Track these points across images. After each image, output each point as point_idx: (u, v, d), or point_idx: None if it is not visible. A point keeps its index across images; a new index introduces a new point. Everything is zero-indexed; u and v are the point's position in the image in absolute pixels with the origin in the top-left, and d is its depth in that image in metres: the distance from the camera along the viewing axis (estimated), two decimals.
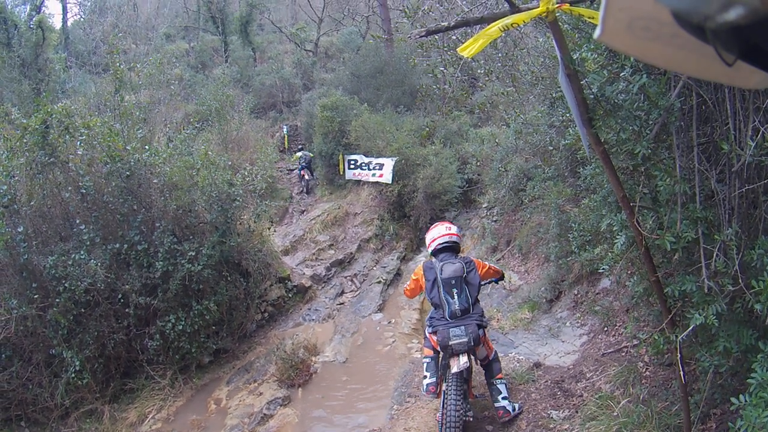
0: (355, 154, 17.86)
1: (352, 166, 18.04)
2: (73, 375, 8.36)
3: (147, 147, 9.72)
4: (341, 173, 18.45)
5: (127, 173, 9.20)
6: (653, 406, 5.13)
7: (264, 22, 35.72)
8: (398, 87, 21.25)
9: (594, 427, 5.54)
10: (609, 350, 7.29)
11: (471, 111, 20.53)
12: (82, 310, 8.63)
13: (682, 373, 3.55)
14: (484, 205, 16.04)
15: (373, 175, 17.23)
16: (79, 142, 9.21)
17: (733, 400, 3.18)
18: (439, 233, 6.13)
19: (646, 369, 6.24)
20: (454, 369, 5.58)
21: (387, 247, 16.01)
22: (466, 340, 5.52)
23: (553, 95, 8.62)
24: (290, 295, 12.52)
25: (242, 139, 18.50)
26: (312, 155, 20.23)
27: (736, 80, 0.96)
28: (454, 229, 6.25)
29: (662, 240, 3.36)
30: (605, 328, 8.05)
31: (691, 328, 3.36)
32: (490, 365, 6.07)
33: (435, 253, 6.08)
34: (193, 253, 9.31)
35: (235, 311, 10.53)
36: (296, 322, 11.85)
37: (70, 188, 9.20)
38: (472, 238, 15.64)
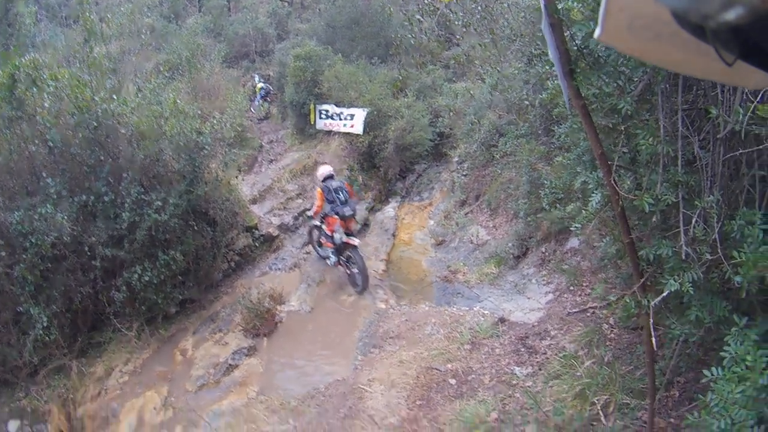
0: (326, 104, 17.49)
1: (323, 116, 17.65)
2: (40, 331, 8.34)
3: (115, 97, 9.39)
4: (312, 123, 18.05)
5: (94, 124, 8.94)
6: (617, 369, 5.17)
7: None
8: (373, 39, 21.04)
9: (557, 385, 5.60)
10: (574, 310, 7.35)
11: (446, 66, 20.65)
12: (49, 265, 8.52)
13: (653, 339, 3.51)
14: (455, 159, 16.05)
15: (345, 125, 16.95)
16: (46, 95, 8.91)
17: (705, 372, 3.14)
18: (326, 170, 10.46)
19: (611, 331, 6.30)
20: (354, 243, 9.74)
21: (356, 197, 15.78)
22: (351, 212, 9.84)
23: (532, 51, 8.50)
24: (257, 245, 12.37)
25: (213, 88, 17.89)
26: (272, 89, 21.32)
27: (736, 80, 1.03)
28: (331, 168, 10.56)
29: (640, 201, 3.29)
30: (571, 288, 8.10)
31: (665, 293, 3.33)
32: (352, 235, 10.01)
33: (325, 179, 10.11)
34: (160, 203, 9.12)
35: (201, 261, 10.38)
36: (263, 272, 11.75)
37: (37, 142, 8.92)
38: (441, 192, 15.67)
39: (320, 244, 10.98)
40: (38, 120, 8.90)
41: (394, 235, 13.64)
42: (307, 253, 12.38)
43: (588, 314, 7.09)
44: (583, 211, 4.56)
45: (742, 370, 2.97)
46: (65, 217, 8.35)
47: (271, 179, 15.89)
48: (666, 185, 3.33)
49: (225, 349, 8.81)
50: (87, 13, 10.32)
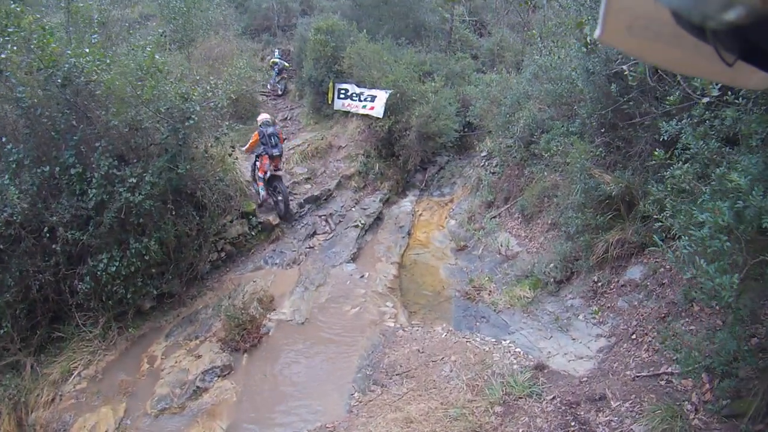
0: (346, 83, 16.21)
1: (342, 96, 16.35)
2: None
3: (88, 50, 8.17)
4: (329, 102, 16.78)
5: (59, 80, 7.80)
6: None
7: None
8: (402, 19, 19.57)
9: None
10: (642, 373, 5.58)
11: (474, 56, 19.56)
12: (2, 247, 7.71)
13: None
14: (482, 154, 14.40)
15: (364, 106, 15.57)
16: (11, 46, 7.75)
17: None
18: (265, 117, 11.89)
19: (696, 415, 4.61)
20: (279, 173, 11.68)
21: (370, 186, 14.48)
22: (278, 153, 11.38)
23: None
24: (254, 233, 11.17)
25: (223, 57, 16.65)
26: (287, 65, 20.54)
27: (736, 80, 0.95)
28: (269, 116, 12.09)
29: None
30: (633, 336, 6.36)
31: None
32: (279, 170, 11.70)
33: (262, 125, 11.46)
34: (135, 180, 7.97)
35: (184, 250, 9.28)
36: (257, 265, 10.54)
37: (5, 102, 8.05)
38: (464, 188, 14.20)
39: (254, 179, 12.22)
40: (7, 76, 7.85)
41: (409, 234, 12.31)
42: (310, 247, 11.18)
43: (661, 382, 5.34)
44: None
45: None
46: (20, 191, 7.49)
47: None
48: None
49: (196, 364, 7.63)
50: None
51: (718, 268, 3.83)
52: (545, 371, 6.05)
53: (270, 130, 11.34)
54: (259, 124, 11.63)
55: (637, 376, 5.49)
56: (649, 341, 5.97)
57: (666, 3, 0.80)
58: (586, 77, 7.91)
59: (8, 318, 7.70)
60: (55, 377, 7.76)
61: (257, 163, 11.74)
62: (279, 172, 11.66)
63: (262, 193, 11.60)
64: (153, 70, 8.20)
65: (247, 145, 11.77)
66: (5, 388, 7.55)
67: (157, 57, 8.25)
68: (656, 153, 5.55)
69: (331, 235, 11.96)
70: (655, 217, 5.51)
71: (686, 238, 4.34)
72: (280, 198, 11.58)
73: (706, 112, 5.35)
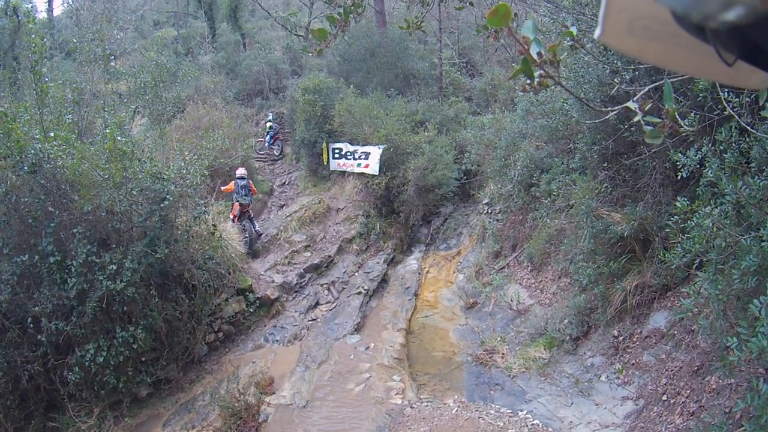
0: (339, 142, 15.97)
1: (336, 156, 16.14)
2: None
3: (53, 134, 7.95)
4: (325, 163, 16.52)
5: (25, 167, 7.53)
6: None
7: (255, 8, 34.13)
8: (390, 70, 19.45)
9: None
10: None
11: (468, 98, 19.58)
12: None
13: None
14: (484, 201, 13.89)
15: (359, 165, 15.30)
16: None
17: None
18: (241, 171, 13.52)
19: None
20: (248, 213, 13.57)
21: (372, 247, 14.03)
22: (248, 202, 13.30)
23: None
24: (252, 310, 10.67)
25: (214, 125, 16.41)
26: (278, 128, 20.32)
27: (736, 80, 0.91)
28: (245, 171, 13.76)
29: None
30: (664, 397, 5.60)
31: None
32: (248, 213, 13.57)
33: (239, 178, 13.25)
34: (115, 267, 7.59)
35: (177, 333, 8.83)
36: (257, 344, 10.07)
37: None
38: (470, 238, 13.68)
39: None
40: None
41: (416, 295, 11.75)
42: (312, 319, 10.69)
43: None
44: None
45: None
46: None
47: (277, 228, 14.14)
48: None
49: None
50: (31, 31, 8.91)
51: None
52: None
53: (242, 182, 13.34)
54: (237, 176, 13.47)
55: None
56: (683, 402, 5.23)
57: (666, 3, 0.77)
58: (579, 106, 7.46)
59: (0, 409, 7.34)
60: None
61: (233, 205, 13.64)
62: (248, 213, 13.72)
63: (235, 225, 13.17)
64: (117, 153, 7.85)
65: (225, 188, 13.51)
66: None
67: (119, 138, 7.87)
68: (678, 203, 4.79)
69: (333, 304, 11.50)
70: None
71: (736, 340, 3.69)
72: (246, 236, 13.12)
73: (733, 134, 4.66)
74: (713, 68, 0.84)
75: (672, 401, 5.40)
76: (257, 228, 13.96)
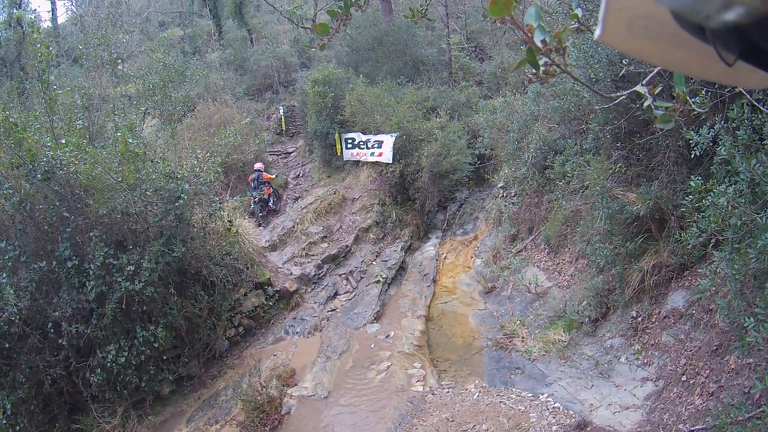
0: (352, 132, 15.91)
1: (349, 146, 16.07)
2: (4, 421, 7.31)
3: (64, 140, 8.02)
4: (338, 154, 16.51)
5: (38, 175, 7.61)
6: None
7: (260, 3, 33.99)
8: (399, 57, 19.33)
9: None
10: (697, 426, 4.68)
11: (479, 83, 19.48)
12: (7, 345, 7.39)
13: None
14: (499, 185, 13.79)
15: (372, 154, 15.25)
16: None
17: None
18: (258, 165, 15.17)
19: None
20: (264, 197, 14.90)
21: (389, 236, 14.01)
22: (259, 193, 14.68)
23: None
24: (271, 303, 10.75)
25: (225, 122, 16.49)
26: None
27: (736, 80, 0.94)
28: (261, 165, 15.46)
29: None
30: (683, 377, 5.52)
31: None
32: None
33: (254, 171, 14.89)
34: (132, 268, 7.65)
35: (198, 330, 8.92)
36: (277, 337, 10.13)
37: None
38: (486, 222, 13.61)
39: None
40: None
41: (434, 281, 11.74)
42: (332, 310, 10.75)
43: None
44: None
45: None
46: (15, 289, 7.25)
47: (293, 221, 14.09)
48: None
49: None
50: (36, 40, 8.94)
51: None
52: (588, 430, 5.31)
53: (254, 175, 15.05)
54: (254, 169, 15.17)
55: (693, 430, 4.68)
56: (702, 382, 5.17)
57: (666, 3, 0.79)
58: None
59: (24, 414, 7.42)
60: None
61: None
62: (260, 204, 15.23)
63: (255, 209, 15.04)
64: (129, 155, 7.90)
65: (249, 178, 15.29)
66: None
67: (130, 141, 7.91)
68: (693, 182, 4.83)
69: (353, 294, 11.51)
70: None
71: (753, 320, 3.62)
72: (260, 214, 15.00)
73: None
74: (713, 68, 0.85)
75: (691, 381, 5.35)
76: (271, 204, 15.51)
